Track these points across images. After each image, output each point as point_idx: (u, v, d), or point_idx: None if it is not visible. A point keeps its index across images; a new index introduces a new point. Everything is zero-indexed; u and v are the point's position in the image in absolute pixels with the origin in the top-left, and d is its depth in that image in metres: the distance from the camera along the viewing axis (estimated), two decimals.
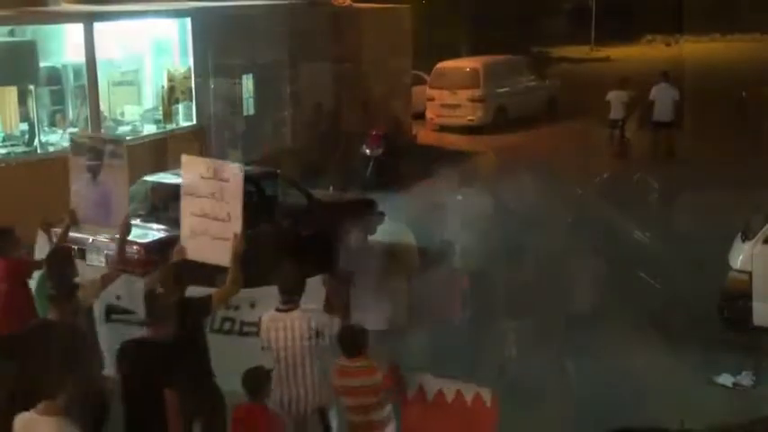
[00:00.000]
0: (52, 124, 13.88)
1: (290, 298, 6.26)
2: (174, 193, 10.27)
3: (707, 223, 13.61)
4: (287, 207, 11.59)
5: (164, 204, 10.79)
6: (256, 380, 5.85)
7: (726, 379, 8.75)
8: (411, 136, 21.56)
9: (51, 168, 12.80)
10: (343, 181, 15.61)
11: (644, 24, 47.67)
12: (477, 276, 12.01)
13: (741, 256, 9.27)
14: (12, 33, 13.55)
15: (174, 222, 9.89)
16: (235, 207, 6.64)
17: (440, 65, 24.13)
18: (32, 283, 7.29)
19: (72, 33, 13.79)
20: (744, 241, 9.42)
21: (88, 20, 13.37)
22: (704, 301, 9.71)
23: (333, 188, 14.43)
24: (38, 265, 7.26)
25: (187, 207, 6.89)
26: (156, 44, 15.49)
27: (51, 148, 13.45)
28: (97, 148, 7.38)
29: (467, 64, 24.33)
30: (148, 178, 11.39)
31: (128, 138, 14.20)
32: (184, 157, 7.10)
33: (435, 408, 5.83)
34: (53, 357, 5.42)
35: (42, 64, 13.45)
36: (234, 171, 6.74)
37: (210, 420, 6.18)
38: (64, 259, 6.71)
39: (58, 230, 7.64)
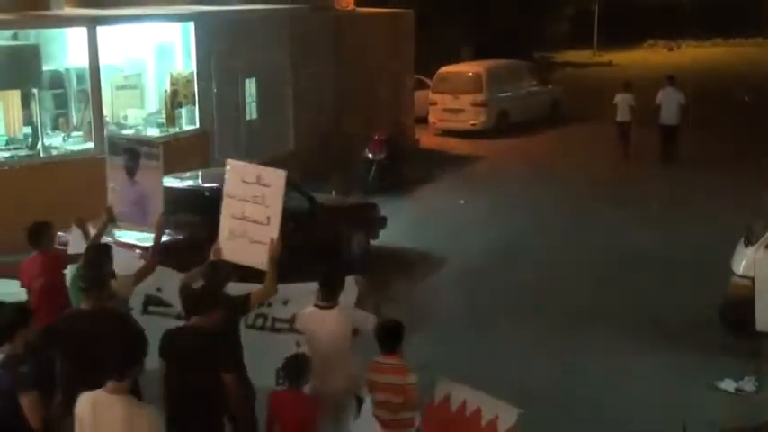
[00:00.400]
0: (55, 128, 13.90)
1: (330, 296, 6.43)
2: (176, 196, 10.31)
3: (711, 226, 13.65)
4: (289, 211, 11.56)
5: (167, 208, 10.77)
6: (298, 366, 5.97)
7: (728, 384, 8.74)
8: (413, 140, 21.59)
9: (54, 172, 12.84)
10: (345, 185, 15.64)
11: (646, 29, 47.69)
12: (477, 278, 12.06)
13: (744, 261, 9.26)
14: (15, 37, 13.58)
15: (176, 226, 9.94)
16: (275, 211, 6.82)
17: (442, 69, 24.19)
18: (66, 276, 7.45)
19: (75, 37, 13.82)
20: (746, 246, 9.40)
21: (91, 24, 13.39)
22: (707, 305, 9.69)
23: (335, 192, 14.44)
24: (73, 259, 7.44)
25: (227, 209, 7.06)
26: (159, 48, 15.52)
27: (54, 152, 13.47)
28: (134, 149, 7.51)
29: (469, 69, 24.38)
30: None
31: None
32: (229, 162, 7.24)
33: (454, 419, 5.83)
34: (83, 346, 5.69)
35: (46, 68, 13.48)
36: (277, 176, 6.89)
37: (241, 412, 6.22)
38: (101, 255, 6.79)
39: (91, 227, 7.79)
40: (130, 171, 7.48)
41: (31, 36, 13.65)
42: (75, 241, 7.83)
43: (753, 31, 46.81)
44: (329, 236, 11.91)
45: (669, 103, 19.03)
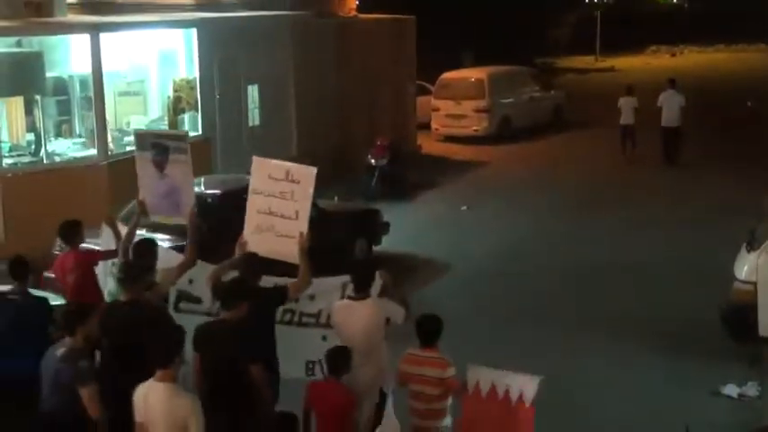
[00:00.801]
0: (58, 134, 13.92)
1: (363, 288, 6.66)
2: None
3: (714, 230, 13.66)
4: None
5: None
6: (340, 358, 6.19)
7: (731, 389, 8.73)
8: (416, 146, 21.60)
9: (57, 178, 12.86)
10: (348, 190, 15.64)
11: (649, 35, 47.76)
12: (478, 284, 12.07)
13: (746, 266, 9.23)
14: (19, 44, 13.61)
15: (179, 232, 9.95)
16: (304, 206, 6.98)
17: (445, 75, 24.21)
18: (108, 272, 7.75)
19: (78, 44, 13.85)
20: (749, 251, 9.39)
21: (94, 31, 13.42)
22: (709, 310, 9.68)
23: (338, 198, 14.45)
24: (104, 255, 7.82)
25: (253, 204, 7.21)
26: (162, 55, 15.55)
27: (57, 159, 13.50)
28: (161, 143, 7.64)
29: (472, 74, 24.41)
30: None
31: (133, 148, 14.32)
32: (255, 159, 7.37)
33: (489, 403, 6.07)
34: (120, 336, 6.09)
35: (49, 74, 13.50)
36: (306, 174, 7.03)
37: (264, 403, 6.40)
38: (145, 249, 7.09)
39: (120, 223, 8.05)
40: (159, 165, 7.58)
41: (34, 43, 13.68)
42: (105, 239, 8.05)
43: (755, 37, 46.84)
44: (332, 242, 11.90)
45: (670, 105, 19.40)
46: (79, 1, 15.19)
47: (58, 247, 10.14)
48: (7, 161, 13.16)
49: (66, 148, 13.77)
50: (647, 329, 10.35)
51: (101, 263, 7.88)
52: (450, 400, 6.33)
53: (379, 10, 23.16)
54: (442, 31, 30.49)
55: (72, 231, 7.87)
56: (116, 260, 7.51)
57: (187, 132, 7.98)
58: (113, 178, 13.04)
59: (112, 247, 7.71)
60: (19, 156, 13.30)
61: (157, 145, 7.63)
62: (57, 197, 12.45)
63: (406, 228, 14.34)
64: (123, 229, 7.83)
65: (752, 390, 8.70)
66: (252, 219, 7.20)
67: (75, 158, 13.59)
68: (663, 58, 45.63)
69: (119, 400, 5.61)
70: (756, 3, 44.99)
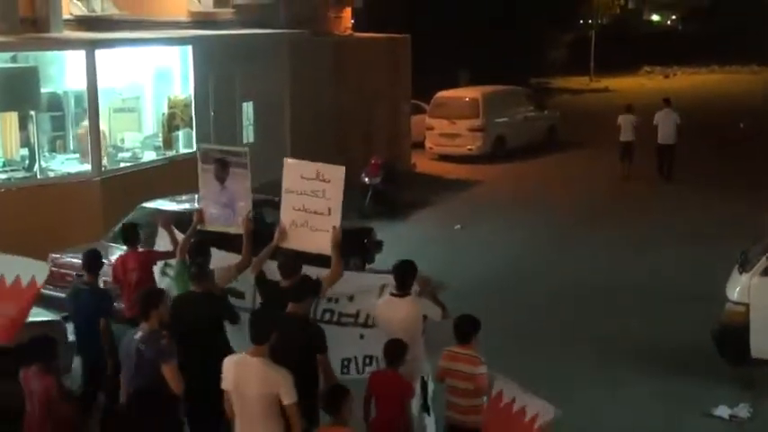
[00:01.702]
0: (53, 150, 13.92)
1: (404, 285, 7.18)
2: (173, 219, 10.36)
3: (709, 249, 13.70)
4: None
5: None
6: (396, 351, 6.65)
7: (723, 411, 8.72)
8: (410, 165, 21.63)
9: (51, 194, 12.85)
10: (342, 208, 15.62)
11: (642, 56, 48.00)
12: (470, 304, 12.03)
13: (738, 287, 9.26)
14: (14, 59, 13.63)
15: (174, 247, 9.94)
16: (335, 203, 7.60)
17: (439, 94, 24.27)
18: (160, 271, 8.56)
19: (74, 60, 13.86)
20: (741, 273, 9.41)
21: (90, 47, 13.44)
22: (704, 329, 9.69)
23: None
24: (163, 255, 8.60)
25: (288, 202, 7.82)
26: (157, 72, 15.57)
27: (51, 174, 13.48)
28: (224, 159, 8.29)
29: (466, 94, 24.48)
30: (147, 205, 11.42)
31: (126, 165, 14.32)
32: (286, 161, 8.02)
33: (504, 413, 6.23)
34: (193, 321, 6.87)
35: (44, 90, 13.51)
36: (335, 173, 7.65)
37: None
38: (204, 250, 7.80)
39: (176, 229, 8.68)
40: (220, 178, 8.22)
41: (29, 58, 13.69)
42: (163, 241, 8.77)
43: (749, 58, 47.10)
44: (324, 259, 11.88)
45: (666, 122, 19.89)
46: (75, 17, 15.22)
47: (51, 263, 10.13)
48: (1, 176, 13.15)
49: (60, 164, 13.76)
50: (641, 347, 10.36)
51: (158, 263, 8.63)
52: (485, 398, 6.60)
53: (375, 29, 23.24)
54: (438, 51, 30.57)
55: (132, 234, 8.85)
56: (171, 261, 8.34)
57: (246, 149, 8.66)
58: (107, 194, 13.03)
59: (170, 248, 8.46)
60: (12, 171, 13.28)
61: (220, 160, 8.26)
62: (50, 212, 12.43)
63: (399, 246, 14.29)
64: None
65: (743, 411, 8.70)
66: (288, 215, 7.79)
67: (69, 174, 13.57)
68: (657, 80, 45.81)
69: (196, 376, 6.41)
70: (749, 25, 45.26)
